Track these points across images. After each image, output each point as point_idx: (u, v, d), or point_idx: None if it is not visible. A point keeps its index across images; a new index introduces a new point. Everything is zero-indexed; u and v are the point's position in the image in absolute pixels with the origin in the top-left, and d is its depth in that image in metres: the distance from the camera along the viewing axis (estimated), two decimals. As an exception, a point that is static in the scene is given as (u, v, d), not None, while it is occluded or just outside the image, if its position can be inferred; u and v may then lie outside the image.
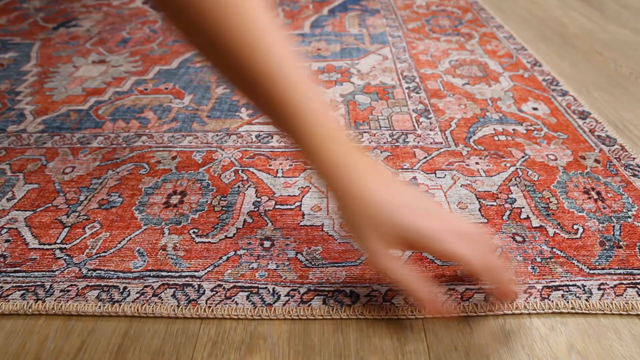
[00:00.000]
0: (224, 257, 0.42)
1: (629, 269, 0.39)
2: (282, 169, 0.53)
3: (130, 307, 0.37)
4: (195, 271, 0.40)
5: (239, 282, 0.39)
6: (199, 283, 0.39)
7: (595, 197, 0.47)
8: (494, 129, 0.59)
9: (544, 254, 0.41)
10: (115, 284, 0.39)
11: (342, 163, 0.32)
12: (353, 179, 0.32)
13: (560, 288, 0.38)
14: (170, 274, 0.40)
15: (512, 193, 0.48)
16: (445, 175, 0.51)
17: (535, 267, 0.40)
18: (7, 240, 0.44)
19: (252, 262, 0.41)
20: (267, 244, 0.43)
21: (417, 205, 0.32)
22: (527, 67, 0.75)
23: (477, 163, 0.53)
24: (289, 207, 0.47)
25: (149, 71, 0.77)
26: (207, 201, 0.48)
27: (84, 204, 0.48)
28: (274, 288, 0.39)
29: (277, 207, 0.47)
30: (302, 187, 0.50)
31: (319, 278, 0.39)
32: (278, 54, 0.31)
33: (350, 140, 0.33)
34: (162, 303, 0.38)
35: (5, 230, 0.45)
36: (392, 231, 0.31)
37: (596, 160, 0.53)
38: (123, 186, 0.51)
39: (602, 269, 0.40)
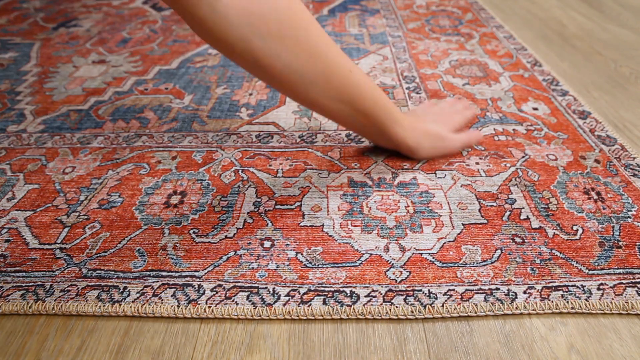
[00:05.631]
0: (224, 257, 0.42)
1: (629, 268, 0.40)
2: (282, 169, 0.53)
3: (130, 307, 0.37)
4: (195, 271, 0.40)
5: (239, 282, 0.39)
6: (199, 283, 0.39)
7: (595, 197, 0.47)
8: (494, 129, 0.59)
9: (543, 255, 0.41)
10: (115, 284, 0.39)
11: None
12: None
13: (560, 288, 0.38)
14: (170, 274, 0.40)
15: (512, 193, 0.48)
16: (445, 175, 0.51)
17: (534, 269, 0.40)
18: (7, 240, 0.44)
19: (252, 262, 0.41)
20: (267, 244, 0.43)
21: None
22: (527, 67, 0.75)
23: (477, 163, 0.53)
24: (289, 207, 0.47)
25: (149, 71, 0.77)
26: (207, 201, 0.48)
27: (84, 204, 0.48)
28: (274, 288, 0.39)
29: (277, 207, 0.47)
30: (302, 187, 0.50)
31: (319, 278, 0.39)
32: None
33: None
34: (162, 303, 0.38)
35: (5, 230, 0.45)
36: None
37: (596, 160, 0.53)
38: (123, 186, 0.51)
39: (602, 269, 0.40)
